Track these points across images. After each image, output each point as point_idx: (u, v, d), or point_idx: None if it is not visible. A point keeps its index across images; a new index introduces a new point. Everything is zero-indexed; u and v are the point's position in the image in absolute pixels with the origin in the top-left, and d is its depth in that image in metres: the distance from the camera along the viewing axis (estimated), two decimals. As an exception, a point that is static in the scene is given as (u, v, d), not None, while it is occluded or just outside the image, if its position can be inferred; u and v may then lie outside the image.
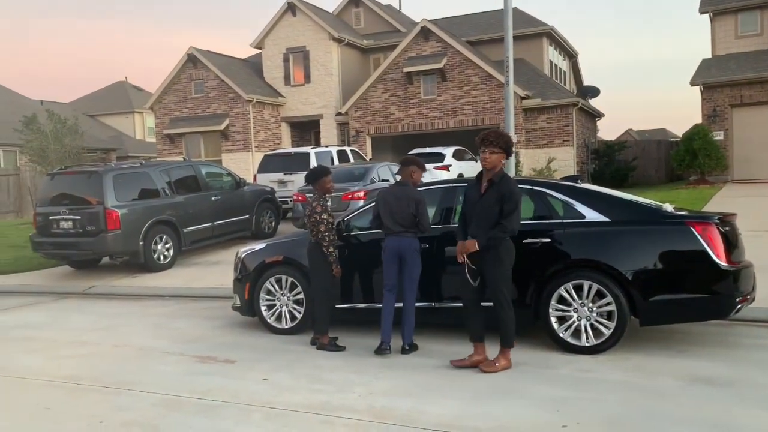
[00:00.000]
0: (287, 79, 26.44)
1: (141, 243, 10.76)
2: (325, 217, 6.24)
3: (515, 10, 25.82)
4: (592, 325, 5.58)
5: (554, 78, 26.21)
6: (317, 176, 6.48)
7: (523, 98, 22.12)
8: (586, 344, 5.58)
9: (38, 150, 20.15)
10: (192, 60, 25.62)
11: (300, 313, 6.80)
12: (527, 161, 21.87)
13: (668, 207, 5.97)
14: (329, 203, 6.73)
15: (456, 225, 6.29)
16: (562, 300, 5.66)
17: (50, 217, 10.79)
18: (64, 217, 10.65)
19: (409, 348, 5.92)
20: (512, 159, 10.22)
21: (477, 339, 5.41)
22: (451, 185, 6.73)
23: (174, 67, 26.06)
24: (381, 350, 5.81)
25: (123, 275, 11.01)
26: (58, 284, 10.87)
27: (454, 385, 4.97)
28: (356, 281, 6.61)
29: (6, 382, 5.55)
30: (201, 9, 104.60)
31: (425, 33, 23.28)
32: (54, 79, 78.07)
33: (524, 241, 5.80)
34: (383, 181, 13.91)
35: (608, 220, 5.78)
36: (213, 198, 12.56)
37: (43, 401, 4.99)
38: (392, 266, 5.91)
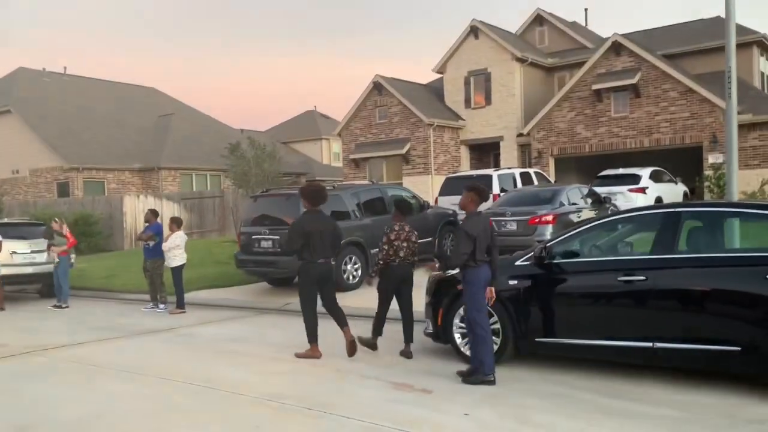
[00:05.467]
0: (468, 102, 26.38)
1: (332, 263, 11.04)
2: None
3: (718, 19, 23.56)
4: None
5: (766, 91, 23.38)
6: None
7: (730, 114, 19.92)
8: None
9: (241, 174, 21.95)
10: (377, 87, 26.54)
11: (496, 344, 6.42)
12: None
13: None
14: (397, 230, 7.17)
15: (677, 256, 5.59)
16: None
17: (252, 237, 11.50)
18: (265, 236, 11.29)
19: None
20: (733, 178, 8.80)
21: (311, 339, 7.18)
22: (672, 210, 5.97)
23: (360, 95, 27.19)
24: None
25: (315, 294, 11.37)
26: (258, 300, 11.52)
27: (688, 442, 4.29)
28: (561, 314, 6.10)
29: (217, 396, 5.79)
30: (385, 39, 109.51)
31: (616, 48, 21.96)
32: (253, 110, 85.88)
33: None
34: (572, 204, 13.14)
35: None
36: (399, 220, 12.64)
37: (251, 419, 5.11)
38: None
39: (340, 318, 7.20)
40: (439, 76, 28.15)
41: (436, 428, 4.69)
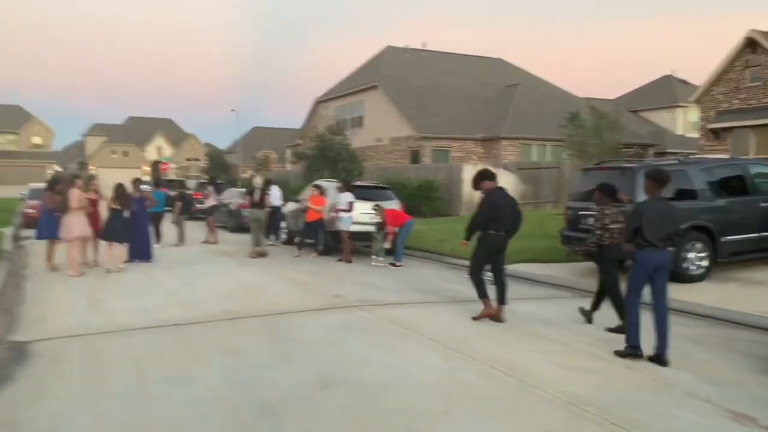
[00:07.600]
0: None
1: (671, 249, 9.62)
2: None
3: None
4: None
5: None
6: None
7: None
8: None
9: (578, 144, 20.89)
10: (750, 44, 22.52)
11: None
12: None
13: None
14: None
15: None
16: None
17: (579, 212, 10.69)
18: (592, 213, 10.36)
19: None
20: None
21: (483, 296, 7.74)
22: None
23: (727, 55, 23.41)
24: None
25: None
26: (581, 280, 10.69)
27: None
28: None
29: (513, 386, 5.35)
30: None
31: None
32: (602, 78, 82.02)
33: None
34: None
35: None
36: (762, 203, 10.47)
37: (543, 420, 4.54)
38: None
39: (503, 293, 7.83)
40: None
41: (781, 490, 3.51)
